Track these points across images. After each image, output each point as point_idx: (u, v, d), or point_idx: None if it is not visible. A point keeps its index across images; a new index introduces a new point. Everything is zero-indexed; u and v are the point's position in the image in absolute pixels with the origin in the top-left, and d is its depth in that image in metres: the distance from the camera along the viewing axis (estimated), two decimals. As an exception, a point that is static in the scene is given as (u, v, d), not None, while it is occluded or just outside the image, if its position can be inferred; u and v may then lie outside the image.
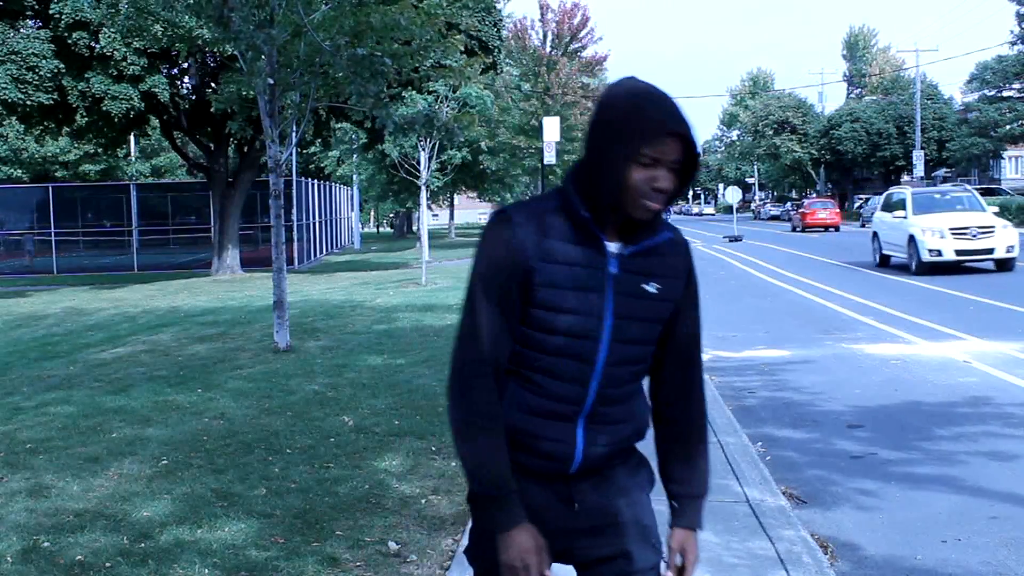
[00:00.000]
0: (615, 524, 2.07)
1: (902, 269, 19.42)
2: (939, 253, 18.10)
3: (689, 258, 2.10)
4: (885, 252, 20.68)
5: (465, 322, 1.97)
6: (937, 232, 18.22)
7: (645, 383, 2.15)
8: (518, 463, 2.01)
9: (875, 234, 21.39)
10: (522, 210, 1.98)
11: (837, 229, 43.53)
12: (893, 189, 23.61)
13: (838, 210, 46.62)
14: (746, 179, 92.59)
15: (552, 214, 1.97)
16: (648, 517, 2.13)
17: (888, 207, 20.99)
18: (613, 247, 1.98)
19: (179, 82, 25.22)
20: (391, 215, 65.16)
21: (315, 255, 33.40)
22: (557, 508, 2.05)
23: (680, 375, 2.12)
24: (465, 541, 4.41)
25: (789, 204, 69.84)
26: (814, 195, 73.13)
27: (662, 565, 2.10)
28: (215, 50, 21.34)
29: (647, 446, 2.17)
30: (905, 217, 19.30)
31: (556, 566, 2.06)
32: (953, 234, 18.12)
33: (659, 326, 2.05)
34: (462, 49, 14.59)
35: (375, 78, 10.42)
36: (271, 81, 10.43)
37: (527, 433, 2.00)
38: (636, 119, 1.87)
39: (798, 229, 45.00)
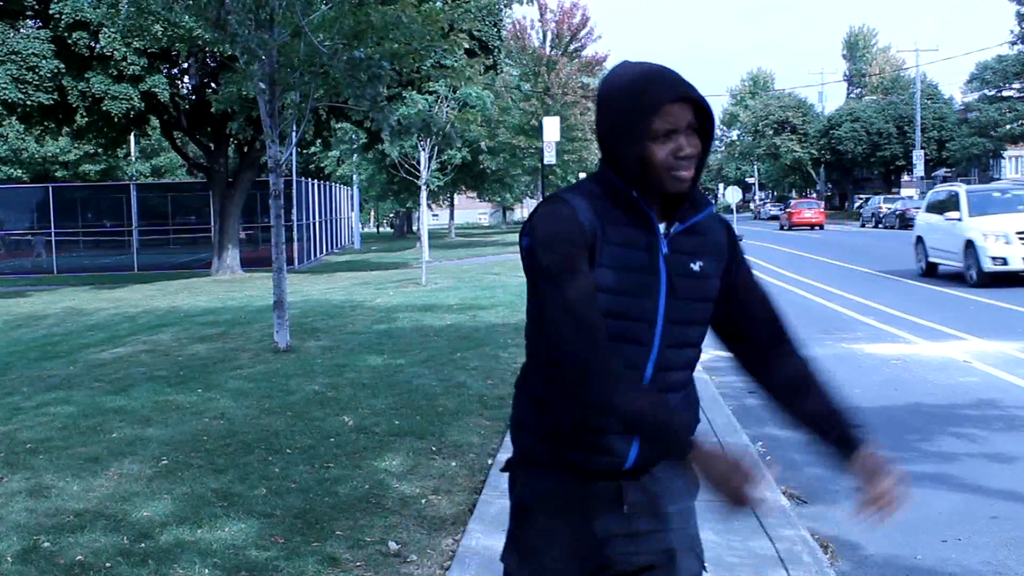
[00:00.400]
0: (661, 530, 2.02)
1: (955, 280, 16.74)
2: (1004, 261, 15.47)
3: (731, 232, 2.09)
4: (932, 259, 17.98)
5: (555, 305, 1.87)
6: (1001, 236, 15.60)
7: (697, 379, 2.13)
8: (571, 461, 1.98)
9: (919, 239, 18.62)
10: (575, 192, 1.96)
11: (821, 227, 46.16)
12: (941, 187, 20.65)
13: (823, 209, 49.32)
14: (746, 179, 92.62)
15: (600, 198, 1.95)
16: (694, 525, 2.09)
17: (936, 207, 18.30)
18: (661, 227, 1.97)
19: (179, 82, 25.23)
20: (391, 215, 65.16)
21: (315, 255, 33.40)
22: (605, 511, 2.00)
23: (766, 333, 2.07)
24: (473, 542, 4.41)
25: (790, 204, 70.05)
26: (813, 195, 73.16)
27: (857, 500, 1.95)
28: (215, 50, 21.35)
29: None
30: (960, 219, 16.64)
31: None
32: (1021, 239, 15.54)
33: (709, 305, 2.02)
34: (464, 48, 14.58)
35: (372, 81, 10.41)
36: (263, 85, 10.43)
37: (582, 426, 1.95)
38: (640, 97, 1.87)
39: (785, 227, 47.47)
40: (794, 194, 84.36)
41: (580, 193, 1.95)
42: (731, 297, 2.05)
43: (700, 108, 1.91)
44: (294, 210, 28.95)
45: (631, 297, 1.92)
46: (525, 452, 2.07)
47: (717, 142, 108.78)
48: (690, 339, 2.01)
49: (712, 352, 9.19)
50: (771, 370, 2.07)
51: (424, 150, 19.77)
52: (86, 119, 24.17)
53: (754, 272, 2.10)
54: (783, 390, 2.06)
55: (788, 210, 48.56)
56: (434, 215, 74.39)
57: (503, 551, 2.11)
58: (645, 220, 1.95)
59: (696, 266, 1.98)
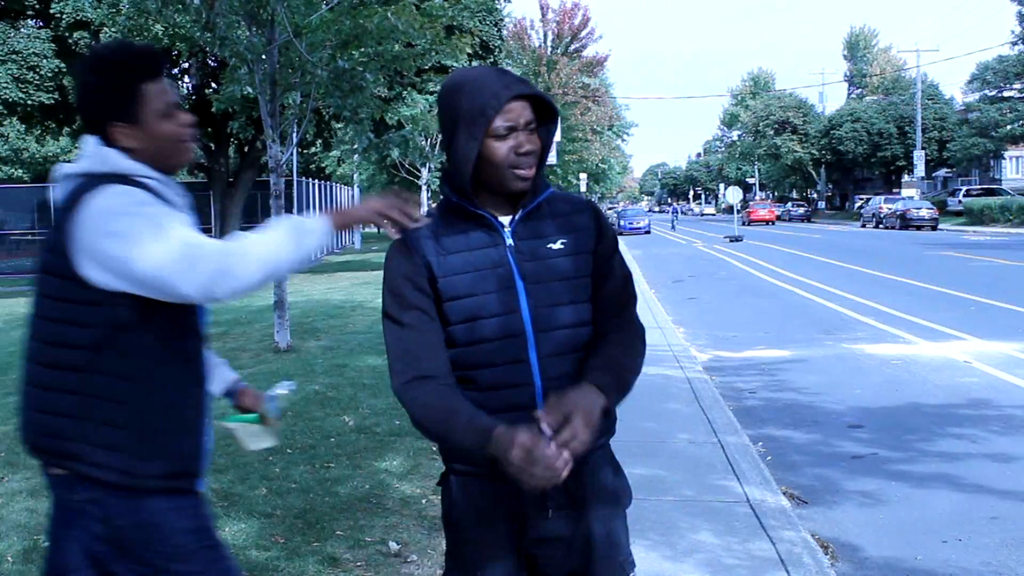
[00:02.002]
0: (586, 536, 2.03)
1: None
2: None
3: (596, 213, 2.10)
4: None
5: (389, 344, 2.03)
6: None
7: None
8: (485, 467, 1.96)
9: None
10: (417, 228, 2.03)
11: (773, 223, 57.19)
12: None
13: (773, 209, 61.25)
14: (747, 179, 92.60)
15: (438, 216, 2.03)
16: (621, 534, 2.09)
17: None
18: (505, 220, 2.01)
19: (179, 82, 25.25)
20: (392, 215, 65.15)
21: (315, 255, 33.35)
22: (531, 514, 2.01)
23: (613, 319, 2.06)
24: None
25: (790, 204, 70.21)
26: (815, 195, 73.23)
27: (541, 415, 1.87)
28: (213, 52, 21.37)
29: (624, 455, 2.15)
30: None
31: None
32: None
33: (577, 283, 2.02)
34: (468, 52, 14.62)
35: (353, 92, 10.44)
36: (250, 89, 10.44)
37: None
38: (480, 95, 1.91)
39: (745, 223, 55.02)
40: (795, 194, 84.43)
41: (424, 224, 2.03)
42: (595, 272, 2.06)
43: (541, 106, 1.98)
44: (294, 210, 28.96)
45: (489, 294, 1.96)
46: (450, 465, 2.09)
47: (718, 142, 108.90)
48: (566, 320, 1.99)
49: (712, 352, 9.18)
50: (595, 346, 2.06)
51: (419, 160, 19.78)
52: (87, 119, 24.18)
53: (616, 255, 2.11)
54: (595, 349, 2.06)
55: (747, 209, 59.11)
56: (435, 215, 74.32)
57: (444, 569, 2.13)
58: (481, 220, 2.00)
59: (557, 244, 2.01)
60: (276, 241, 2.07)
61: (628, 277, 2.12)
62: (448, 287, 1.96)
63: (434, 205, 2.10)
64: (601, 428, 1.93)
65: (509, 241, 1.99)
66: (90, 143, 2.18)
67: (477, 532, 2.03)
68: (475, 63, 19.60)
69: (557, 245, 2.01)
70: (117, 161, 2.14)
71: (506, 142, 1.93)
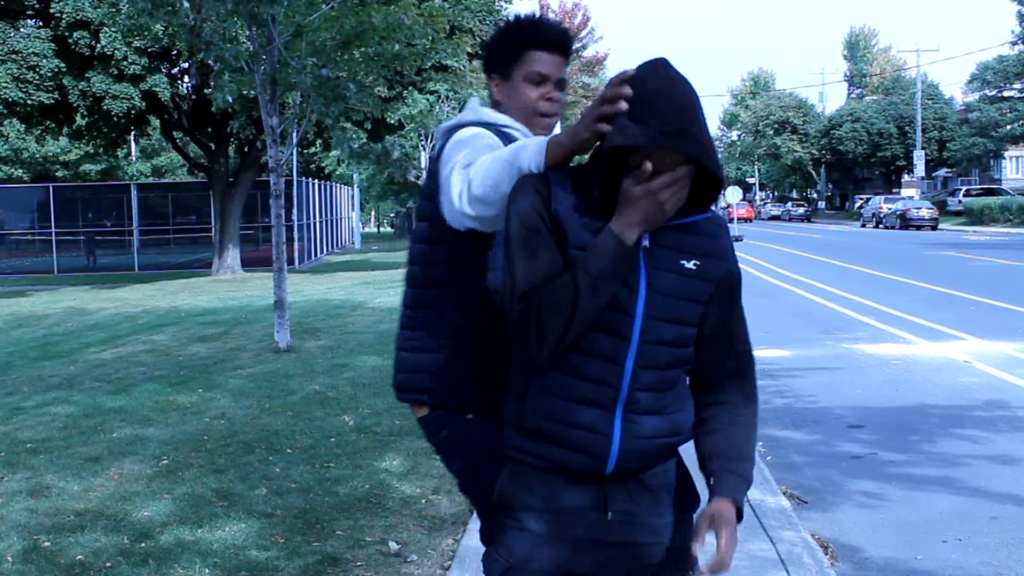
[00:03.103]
0: (649, 543, 1.98)
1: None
2: None
3: (731, 246, 2.05)
4: None
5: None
6: None
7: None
8: (550, 459, 1.93)
9: None
10: (560, 172, 1.94)
11: (751, 220, 61.37)
12: None
13: (751, 208, 65.47)
14: (747, 179, 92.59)
15: (575, 188, 1.94)
16: (686, 539, 2.01)
17: None
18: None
19: (180, 82, 25.23)
20: (392, 215, 65.17)
21: (316, 255, 33.39)
22: (589, 514, 1.95)
23: (737, 378, 2.05)
24: (473, 542, 4.41)
25: (790, 204, 70.34)
26: (815, 195, 73.31)
27: (695, 545, 1.92)
28: (199, 58, 21.38)
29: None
30: None
31: None
32: None
33: (699, 307, 1.96)
34: (468, 51, 14.63)
35: (336, 101, 10.44)
36: (231, 99, 10.46)
37: (560, 420, 1.91)
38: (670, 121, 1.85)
39: (730, 221, 59.39)
40: (795, 194, 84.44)
41: (565, 173, 1.95)
42: (716, 308, 2.01)
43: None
44: (295, 210, 28.94)
45: None
46: (510, 450, 2.03)
47: (717, 142, 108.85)
48: (675, 338, 1.94)
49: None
50: (704, 402, 2.06)
51: (425, 150, 19.79)
52: (87, 119, 24.17)
53: (740, 297, 2.07)
54: (701, 423, 2.06)
55: (727, 208, 63.15)
56: (435, 215, 74.26)
57: (485, 552, 2.08)
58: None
59: (691, 264, 1.93)
60: (496, 158, 2.01)
61: (742, 333, 2.08)
62: (574, 239, 1.88)
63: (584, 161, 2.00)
64: (679, 433, 2.00)
65: (645, 243, 1.90)
66: (471, 102, 2.43)
67: (525, 520, 1.98)
68: (475, 63, 19.58)
69: (690, 264, 1.93)
70: (483, 111, 2.36)
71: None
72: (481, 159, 2.03)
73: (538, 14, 2.41)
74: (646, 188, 1.78)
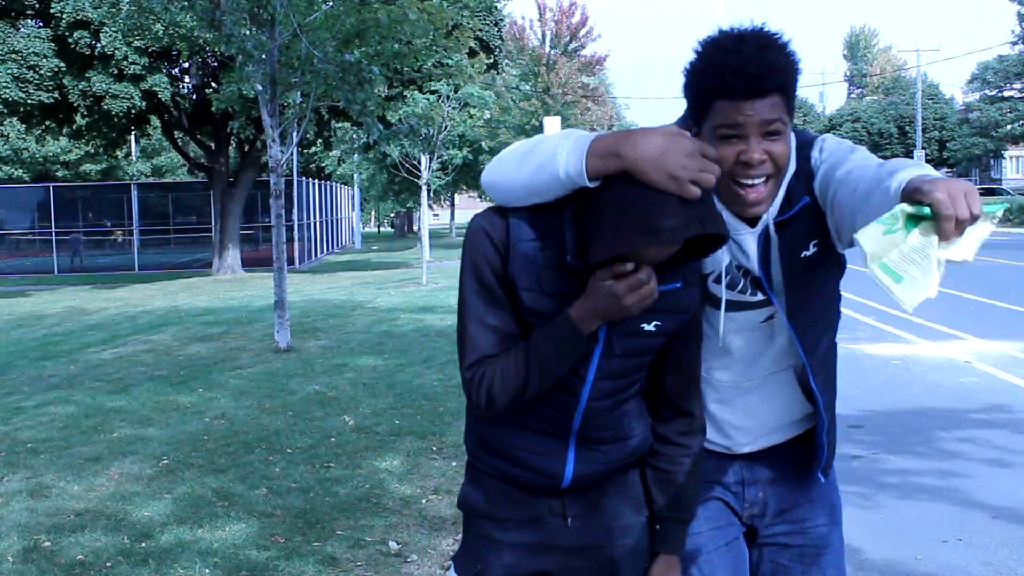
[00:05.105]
0: (608, 545, 1.97)
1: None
2: None
3: (700, 298, 1.92)
4: None
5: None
6: None
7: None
8: (509, 475, 1.94)
9: None
10: (524, 223, 1.81)
11: None
12: None
13: None
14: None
15: (545, 233, 1.79)
16: (643, 539, 2.01)
17: None
18: None
19: (180, 81, 25.24)
20: (392, 215, 65.17)
21: (316, 255, 33.40)
22: (550, 521, 1.95)
23: (684, 402, 1.99)
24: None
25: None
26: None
27: None
28: (216, 49, 21.38)
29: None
30: None
31: None
32: None
33: (650, 358, 1.91)
34: (469, 48, 14.64)
35: (362, 86, 10.43)
36: (260, 87, 10.43)
37: (518, 447, 1.91)
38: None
39: None
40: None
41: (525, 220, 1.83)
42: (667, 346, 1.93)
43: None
44: (295, 210, 28.95)
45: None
46: (471, 458, 2.04)
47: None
48: (626, 387, 1.90)
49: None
50: (656, 434, 2.00)
51: (425, 151, 19.76)
52: (87, 118, 24.16)
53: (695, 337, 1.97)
54: (651, 459, 2.00)
55: None
56: (435, 215, 74.38)
57: (455, 555, 2.08)
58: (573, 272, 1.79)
59: (651, 326, 1.83)
60: (516, 148, 1.84)
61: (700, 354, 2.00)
62: (530, 303, 1.81)
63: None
64: (636, 454, 1.96)
65: (603, 334, 1.82)
66: None
67: (488, 526, 1.98)
68: (474, 60, 19.58)
69: (651, 327, 1.83)
70: None
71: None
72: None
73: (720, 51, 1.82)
74: (611, 290, 1.68)
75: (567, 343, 1.75)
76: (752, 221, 1.92)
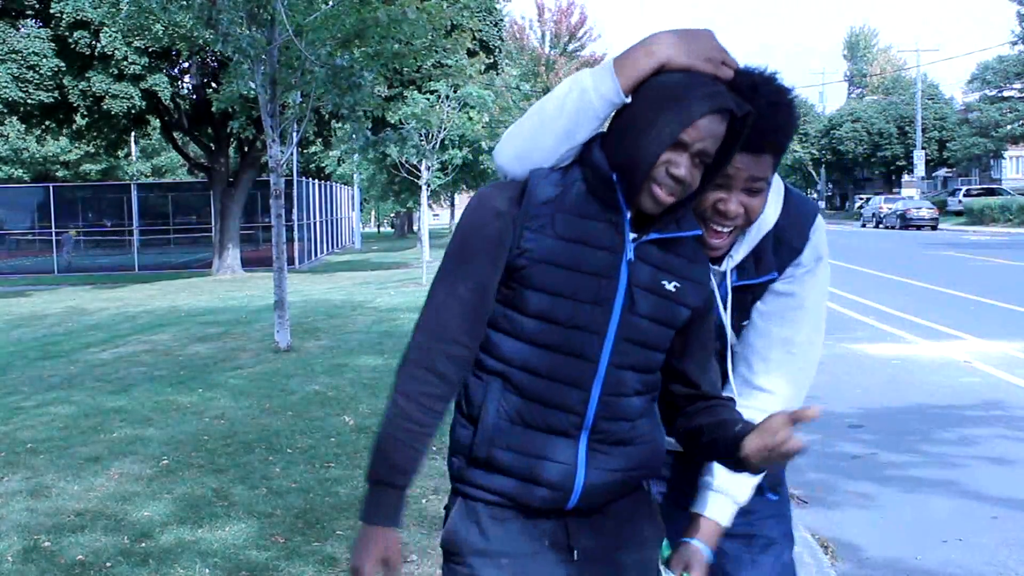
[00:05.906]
0: None
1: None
2: None
3: (709, 271, 1.84)
4: None
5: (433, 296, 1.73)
6: None
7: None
8: (504, 493, 1.71)
9: None
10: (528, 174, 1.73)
11: None
12: None
13: None
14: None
15: (564, 181, 1.72)
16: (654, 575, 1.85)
17: None
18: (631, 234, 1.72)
19: (180, 81, 25.24)
20: (392, 215, 65.16)
21: (316, 255, 33.39)
22: (549, 557, 1.73)
23: (713, 395, 1.86)
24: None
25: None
26: (815, 195, 73.38)
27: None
28: (215, 49, 21.39)
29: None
30: None
31: None
32: None
33: (671, 332, 1.76)
34: (468, 48, 14.67)
35: (351, 90, 10.44)
36: (253, 85, 10.44)
37: (517, 449, 1.69)
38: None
39: None
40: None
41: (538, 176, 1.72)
42: (689, 328, 1.81)
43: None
44: (295, 210, 28.94)
45: (575, 303, 1.67)
46: (455, 482, 1.79)
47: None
48: (646, 364, 1.75)
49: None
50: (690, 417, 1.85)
51: (417, 156, 19.76)
52: (87, 119, 24.17)
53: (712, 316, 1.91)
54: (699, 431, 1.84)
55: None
56: (435, 215, 74.37)
57: None
58: (614, 215, 1.69)
59: (671, 285, 1.72)
60: (539, 107, 1.77)
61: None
62: (540, 277, 1.67)
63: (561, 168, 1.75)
64: (648, 466, 1.81)
65: (630, 255, 1.69)
66: None
67: (479, 567, 1.73)
68: (474, 60, 19.58)
69: (670, 287, 1.72)
70: None
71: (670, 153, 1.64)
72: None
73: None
74: None
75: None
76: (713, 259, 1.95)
